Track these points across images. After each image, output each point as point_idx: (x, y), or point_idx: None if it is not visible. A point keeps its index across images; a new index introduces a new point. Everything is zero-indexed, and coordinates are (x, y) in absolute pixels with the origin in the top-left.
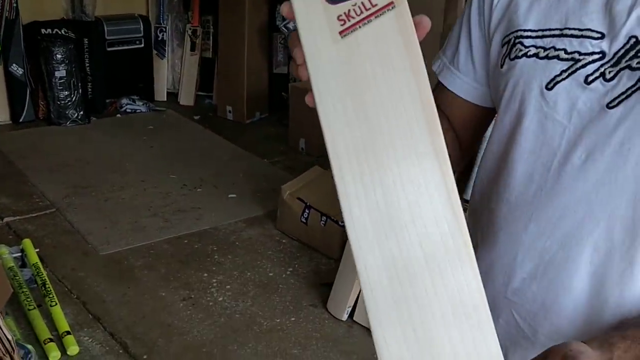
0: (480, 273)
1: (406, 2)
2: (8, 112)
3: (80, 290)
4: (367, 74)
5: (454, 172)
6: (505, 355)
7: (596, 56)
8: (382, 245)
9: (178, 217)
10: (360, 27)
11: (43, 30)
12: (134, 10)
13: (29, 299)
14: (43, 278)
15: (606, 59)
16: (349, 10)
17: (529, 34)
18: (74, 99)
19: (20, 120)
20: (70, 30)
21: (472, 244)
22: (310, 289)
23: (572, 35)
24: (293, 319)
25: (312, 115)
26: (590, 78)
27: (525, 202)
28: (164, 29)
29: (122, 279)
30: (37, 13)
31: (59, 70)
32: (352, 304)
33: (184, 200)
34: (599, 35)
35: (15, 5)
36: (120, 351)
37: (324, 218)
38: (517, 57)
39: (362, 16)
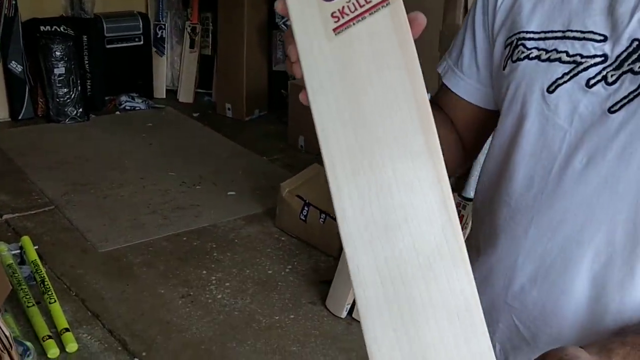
0: (481, 276)
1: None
2: (7, 110)
3: (79, 287)
4: (361, 71)
5: (457, 175)
6: (506, 359)
7: (598, 59)
8: (375, 246)
9: (177, 214)
10: (354, 24)
11: (42, 28)
12: (133, 8)
13: (27, 296)
14: (42, 275)
15: (608, 62)
16: (343, 7)
17: (531, 35)
18: (73, 96)
19: (19, 117)
20: (69, 27)
21: (474, 247)
22: (310, 286)
23: (574, 38)
24: (292, 316)
25: (311, 113)
26: (592, 81)
27: (526, 206)
28: (163, 26)
29: (121, 276)
30: (36, 10)
31: (58, 67)
32: (351, 301)
33: (183, 198)
34: (602, 37)
35: (14, 2)
36: (119, 348)
37: (323, 215)
38: (519, 59)
39: (356, 13)
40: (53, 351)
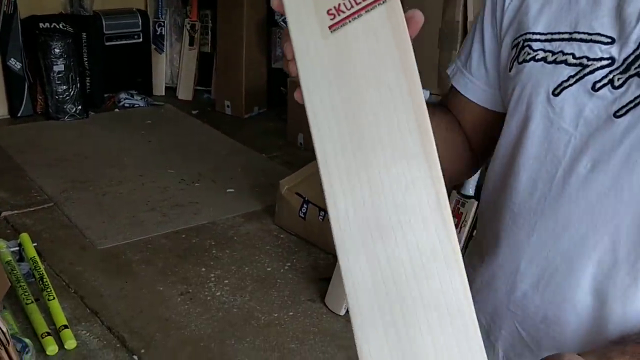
0: (484, 281)
1: None
2: (6, 107)
3: (78, 284)
4: (356, 70)
5: (466, 178)
6: None
7: (605, 62)
8: (368, 246)
9: (176, 211)
10: (350, 21)
11: (41, 25)
12: (132, 5)
13: (26, 293)
14: (41, 272)
15: (615, 65)
16: (339, 5)
17: (537, 37)
18: (72, 93)
19: (19, 114)
20: (68, 24)
21: (478, 251)
22: (309, 283)
23: (581, 40)
24: (291, 313)
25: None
26: (598, 85)
27: (529, 211)
28: (163, 24)
29: (119, 273)
30: (35, 7)
31: (57, 64)
32: None
33: (181, 195)
34: (609, 40)
35: None
36: (118, 345)
37: (322, 213)
38: (525, 60)
39: (353, 10)
40: (52, 348)
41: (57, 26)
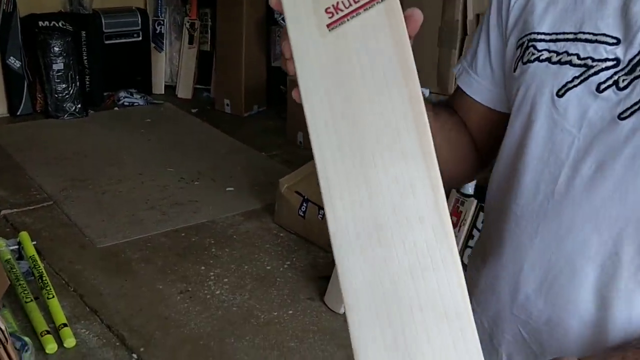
0: (487, 284)
1: None
2: (6, 105)
3: (78, 282)
4: (354, 69)
5: (473, 180)
6: None
7: (610, 63)
8: (365, 246)
9: (175, 210)
10: (348, 20)
11: (40, 23)
12: (131, 3)
13: (26, 292)
14: (40, 270)
15: (620, 67)
16: (337, 3)
17: (542, 37)
18: (71, 92)
19: (18, 113)
20: (67, 23)
21: (481, 252)
22: (308, 282)
23: (586, 40)
24: (290, 312)
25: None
26: (603, 86)
27: (532, 213)
28: (162, 22)
29: (119, 271)
30: (35, 6)
31: (56, 63)
32: None
33: (181, 194)
34: (614, 40)
35: None
36: (117, 344)
37: (321, 212)
38: (529, 61)
39: (351, 9)
40: (51, 346)
41: (57, 25)
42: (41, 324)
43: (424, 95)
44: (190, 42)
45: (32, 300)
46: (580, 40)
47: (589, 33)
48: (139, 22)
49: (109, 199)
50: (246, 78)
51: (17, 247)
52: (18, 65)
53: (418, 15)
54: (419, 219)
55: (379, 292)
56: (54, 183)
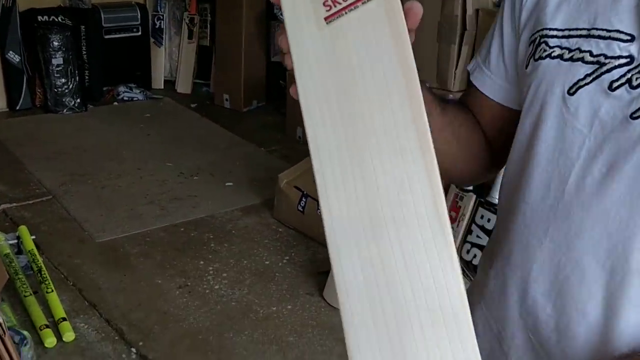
0: (497, 285)
1: None
2: (5, 100)
3: (76, 277)
4: (352, 63)
5: (486, 179)
6: None
7: (623, 60)
8: (360, 244)
9: (174, 205)
10: (346, 13)
11: (40, 18)
12: None
13: (25, 286)
14: (39, 265)
15: (634, 64)
16: None
17: (554, 33)
18: (71, 86)
19: (17, 107)
20: (67, 17)
21: (493, 253)
22: (307, 277)
23: (599, 37)
24: (289, 307)
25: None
26: (615, 84)
27: (541, 215)
28: (162, 17)
29: (118, 266)
30: (34, 0)
31: (55, 57)
32: None
33: (180, 188)
34: (629, 37)
35: None
36: (116, 338)
37: None
38: (540, 57)
39: (349, 2)
40: (50, 340)
41: (56, 19)
42: (40, 318)
43: (432, 89)
44: (190, 37)
45: (31, 295)
46: (594, 36)
47: (603, 29)
48: (139, 16)
49: (108, 193)
50: (245, 73)
51: (16, 241)
52: (17, 60)
53: (418, 8)
54: (416, 215)
55: (374, 291)
56: (53, 177)
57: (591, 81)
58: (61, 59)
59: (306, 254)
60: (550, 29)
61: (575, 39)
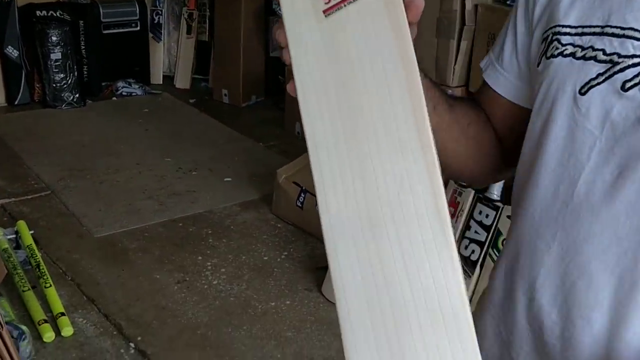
0: (505, 291)
1: None
2: (4, 95)
3: (75, 272)
4: (351, 56)
5: (498, 180)
6: None
7: (637, 60)
8: (358, 242)
9: (173, 200)
10: (345, 5)
11: (38, 13)
12: None
13: (23, 281)
14: (37, 260)
15: None
16: None
17: (567, 30)
18: (69, 81)
19: (16, 102)
20: (65, 12)
21: (505, 256)
22: (306, 273)
23: (612, 35)
24: (288, 302)
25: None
26: (629, 84)
27: (550, 218)
28: (160, 12)
29: (116, 261)
30: None
31: (54, 52)
32: None
33: (178, 184)
34: None
35: None
36: (115, 332)
37: None
38: (552, 55)
39: None
40: (48, 335)
41: (54, 14)
42: (38, 313)
43: (438, 85)
44: (189, 32)
45: (29, 289)
46: (607, 34)
47: (617, 27)
48: (137, 12)
49: (106, 188)
50: (244, 68)
51: (14, 236)
52: (16, 55)
53: (419, 1)
54: (416, 213)
55: (372, 290)
56: (52, 172)
57: (603, 81)
58: (60, 54)
59: (305, 250)
60: (563, 26)
61: (588, 37)
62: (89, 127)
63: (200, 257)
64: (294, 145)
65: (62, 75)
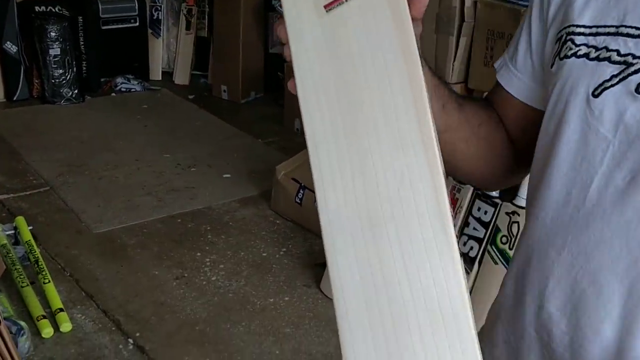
0: (515, 298)
1: None
2: (2, 90)
3: (74, 268)
4: (352, 52)
5: (512, 184)
6: None
7: None
8: (358, 241)
9: (172, 196)
10: (346, 0)
11: (37, 8)
12: None
13: (22, 276)
14: (36, 255)
15: None
16: None
17: (581, 30)
18: (68, 77)
19: (15, 98)
20: (64, 8)
21: (517, 260)
22: (304, 269)
23: (627, 35)
24: (287, 298)
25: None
26: None
27: (561, 225)
28: (159, 8)
29: (115, 257)
30: None
31: (53, 48)
32: None
33: (177, 180)
34: None
35: None
36: (113, 328)
37: None
38: (566, 56)
39: None
40: (47, 331)
41: (53, 10)
42: (37, 309)
43: (447, 84)
44: (188, 28)
45: (28, 285)
46: (622, 34)
47: (632, 27)
48: (136, 7)
49: (105, 184)
50: (243, 64)
51: (13, 232)
52: (15, 50)
53: None
54: (417, 212)
55: (371, 289)
56: (51, 168)
57: (617, 82)
58: (58, 49)
59: (303, 246)
60: (578, 26)
61: (602, 37)
62: (87, 123)
63: (199, 253)
64: (293, 141)
65: (60, 71)
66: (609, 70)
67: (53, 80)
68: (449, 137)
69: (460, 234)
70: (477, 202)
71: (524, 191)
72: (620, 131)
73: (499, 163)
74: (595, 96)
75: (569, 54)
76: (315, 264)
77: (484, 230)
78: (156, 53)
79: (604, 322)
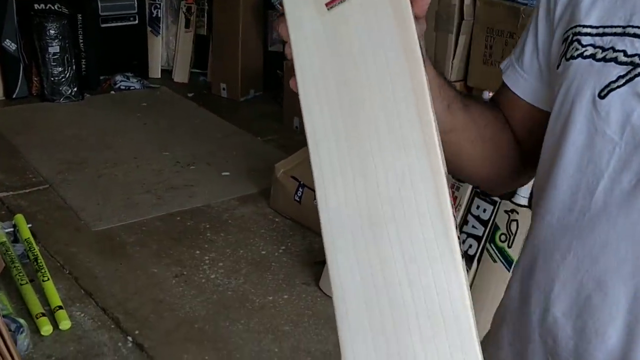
0: (521, 302)
1: None
2: (1, 88)
3: (73, 265)
4: (353, 51)
5: (519, 185)
6: None
7: None
8: (358, 242)
9: (171, 194)
10: None
11: (36, 6)
12: None
13: (21, 274)
14: (35, 253)
15: None
16: None
17: (588, 30)
18: (67, 75)
19: (14, 96)
20: (63, 5)
21: (522, 263)
22: (303, 267)
23: (634, 35)
24: (286, 296)
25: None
26: None
27: (567, 227)
28: (159, 6)
29: (114, 255)
30: None
31: (52, 46)
32: None
33: (176, 178)
34: None
35: None
36: (112, 326)
37: None
38: (572, 57)
39: None
40: (46, 328)
41: (52, 7)
42: (36, 307)
43: (453, 84)
44: (187, 26)
45: (27, 283)
46: (629, 35)
47: (639, 27)
48: (135, 5)
49: (104, 182)
50: (243, 62)
51: (12, 229)
52: (14, 48)
53: None
54: (418, 213)
55: (371, 291)
56: (50, 166)
57: (624, 84)
58: (58, 47)
59: (302, 244)
60: (584, 26)
61: (609, 37)
62: (87, 121)
63: (198, 251)
64: (292, 139)
65: (60, 69)
66: (616, 71)
67: (52, 78)
68: (454, 138)
69: (459, 232)
70: (476, 200)
71: (522, 189)
72: (627, 133)
73: (504, 164)
74: (602, 97)
75: (576, 54)
76: (315, 262)
77: (483, 228)
78: (155, 51)
79: (609, 328)
